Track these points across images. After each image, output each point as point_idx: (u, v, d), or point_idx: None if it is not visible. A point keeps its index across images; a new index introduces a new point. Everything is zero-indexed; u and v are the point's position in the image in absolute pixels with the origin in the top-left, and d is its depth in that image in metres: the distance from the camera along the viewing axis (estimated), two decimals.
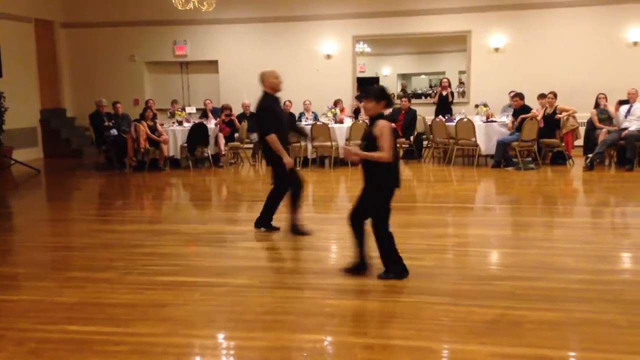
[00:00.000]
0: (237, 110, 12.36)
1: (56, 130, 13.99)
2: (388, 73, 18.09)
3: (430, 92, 16.60)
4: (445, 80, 13.35)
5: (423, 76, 18.43)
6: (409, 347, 3.36)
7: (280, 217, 6.22)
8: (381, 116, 4.48)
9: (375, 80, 17.09)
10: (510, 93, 11.39)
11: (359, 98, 12.54)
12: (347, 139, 10.95)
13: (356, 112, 12.19)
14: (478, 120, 10.81)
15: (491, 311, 3.82)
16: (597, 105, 10.80)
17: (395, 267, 4.54)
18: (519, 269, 4.74)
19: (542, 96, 10.66)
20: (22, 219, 7.85)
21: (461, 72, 15.18)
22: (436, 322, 3.71)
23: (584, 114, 10.91)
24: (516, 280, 4.42)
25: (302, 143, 10.93)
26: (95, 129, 11.94)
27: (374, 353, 3.32)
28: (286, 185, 5.93)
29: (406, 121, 11.69)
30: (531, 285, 4.32)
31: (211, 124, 11.70)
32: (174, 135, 11.26)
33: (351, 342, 3.48)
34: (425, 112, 12.72)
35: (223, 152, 11.50)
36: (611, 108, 10.65)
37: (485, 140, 10.54)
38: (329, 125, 10.83)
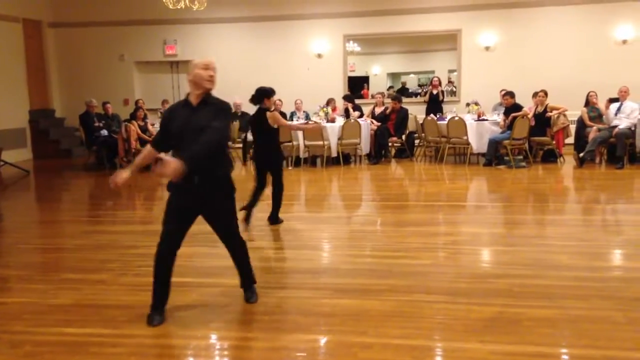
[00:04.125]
0: None
1: (45, 131, 13.86)
2: (378, 72, 18.13)
3: (420, 91, 16.64)
4: (435, 79, 13.38)
5: (412, 75, 18.48)
6: (409, 346, 3.36)
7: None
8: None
9: (365, 79, 17.12)
10: (501, 91, 11.44)
11: (346, 98, 12.54)
12: (339, 138, 10.94)
13: (347, 112, 12.19)
14: (469, 119, 10.84)
15: (489, 309, 3.83)
16: (587, 104, 10.87)
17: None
18: (514, 266, 4.75)
19: (536, 95, 10.73)
20: (13, 220, 7.76)
21: (451, 71, 15.23)
22: (435, 320, 3.72)
23: (575, 112, 10.98)
24: (512, 278, 4.43)
25: (294, 142, 10.92)
26: (86, 130, 11.85)
27: (373, 352, 3.31)
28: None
29: (398, 120, 11.70)
30: (527, 282, 4.34)
31: None
32: None
33: (351, 341, 3.47)
34: (416, 111, 12.75)
35: None
36: (601, 106, 10.72)
37: (477, 138, 10.58)
38: (322, 124, 10.82)
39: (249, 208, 6.32)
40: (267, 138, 6.31)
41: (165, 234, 3.77)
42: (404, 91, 16.20)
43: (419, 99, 14.61)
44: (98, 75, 14.55)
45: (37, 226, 7.29)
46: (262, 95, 6.24)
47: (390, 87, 17.02)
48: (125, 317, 3.90)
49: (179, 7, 11.14)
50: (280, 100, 12.25)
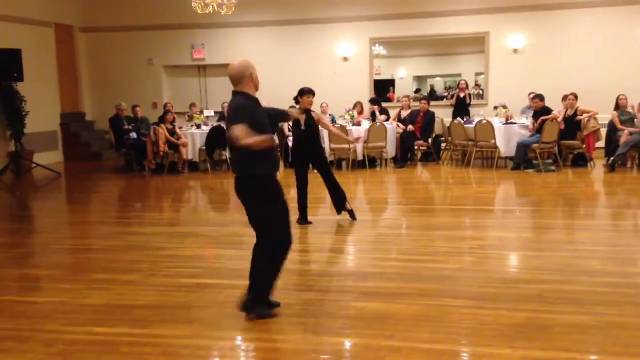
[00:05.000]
0: None
1: (76, 134, 14.11)
2: (404, 75, 18.03)
3: (446, 94, 16.51)
4: (463, 82, 13.26)
5: (439, 78, 18.35)
6: (438, 351, 3.33)
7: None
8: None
9: (391, 82, 17.05)
10: (529, 94, 11.29)
11: (372, 102, 12.52)
12: (365, 141, 10.92)
13: (373, 115, 12.16)
14: (497, 122, 10.73)
15: (519, 314, 3.78)
16: (617, 107, 10.67)
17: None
18: (544, 272, 4.68)
19: (566, 98, 10.57)
20: (44, 221, 7.93)
21: (478, 74, 15.09)
22: (464, 325, 3.68)
23: (605, 115, 10.78)
24: (543, 284, 4.37)
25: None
26: (115, 133, 12.02)
27: (402, 356, 3.30)
28: None
29: (425, 123, 11.63)
30: (558, 288, 4.27)
31: None
32: (193, 138, 11.31)
33: (378, 344, 3.45)
34: (443, 114, 12.65)
35: None
36: (633, 109, 10.52)
37: (505, 142, 10.45)
38: (347, 128, 10.81)
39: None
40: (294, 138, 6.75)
41: (289, 228, 3.92)
42: (432, 94, 16.10)
43: (445, 102, 14.51)
44: (128, 79, 14.76)
45: (68, 227, 7.43)
46: (297, 94, 6.54)
47: (418, 91, 16.93)
48: (155, 317, 3.95)
49: (207, 12, 11.25)
50: None
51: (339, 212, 6.71)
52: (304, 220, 6.55)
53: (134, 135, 11.74)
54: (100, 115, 14.30)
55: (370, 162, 11.24)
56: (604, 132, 10.79)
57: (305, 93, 6.45)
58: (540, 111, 10.26)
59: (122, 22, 14.64)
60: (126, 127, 11.89)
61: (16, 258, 5.77)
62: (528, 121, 10.62)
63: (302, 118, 6.17)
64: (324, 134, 10.86)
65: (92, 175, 11.87)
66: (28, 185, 10.88)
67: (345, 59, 14.01)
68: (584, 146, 10.39)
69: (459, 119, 11.53)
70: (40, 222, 7.97)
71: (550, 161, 10.22)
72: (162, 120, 11.26)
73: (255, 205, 3.81)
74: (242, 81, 3.84)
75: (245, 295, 3.89)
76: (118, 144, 12.09)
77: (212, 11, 11.22)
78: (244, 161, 3.76)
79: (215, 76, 14.88)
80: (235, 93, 3.86)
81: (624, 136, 9.98)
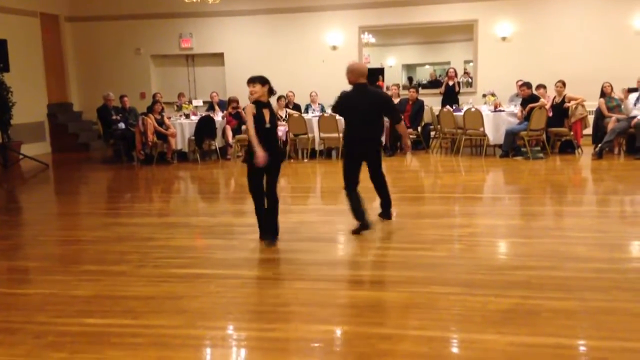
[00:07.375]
0: (243, 102, 12.33)
1: (63, 125, 14.00)
2: (393, 64, 18.03)
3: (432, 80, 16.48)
4: (452, 70, 13.29)
5: (427, 66, 18.36)
6: (427, 337, 3.37)
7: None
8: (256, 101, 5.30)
9: (381, 70, 17.04)
10: (517, 82, 11.33)
11: None
12: None
13: None
14: (486, 110, 10.76)
15: (507, 300, 3.82)
16: (603, 95, 10.74)
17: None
18: (532, 258, 4.73)
19: (539, 87, 10.53)
20: (33, 213, 7.88)
21: (466, 62, 15.12)
22: (452, 312, 3.72)
23: (592, 102, 10.85)
24: (530, 270, 4.42)
25: (310, 135, 10.95)
26: (103, 123, 11.95)
27: (392, 343, 3.32)
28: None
29: (414, 112, 11.64)
30: (546, 274, 4.32)
31: (218, 116, 11.70)
32: (182, 128, 11.26)
33: (368, 332, 3.48)
34: (432, 103, 12.68)
35: (230, 145, 11.51)
36: (620, 95, 10.60)
37: (494, 130, 10.50)
38: (337, 117, 10.79)
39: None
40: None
41: None
42: (436, 83, 15.90)
43: (434, 90, 14.53)
44: (115, 69, 14.65)
45: (56, 219, 7.39)
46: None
47: (410, 79, 16.95)
48: (145, 307, 3.95)
49: (195, 1, 11.17)
50: (291, 92, 12.24)
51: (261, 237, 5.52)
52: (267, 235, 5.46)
53: (122, 125, 11.68)
54: (88, 106, 14.19)
55: None
56: (591, 119, 10.87)
57: (249, 82, 5.38)
58: (528, 99, 10.31)
59: (108, 11, 14.50)
60: (114, 117, 11.83)
61: (5, 250, 5.74)
62: (516, 109, 10.67)
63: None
64: (313, 122, 10.92)
65: (80, 166, 11.81)
66: (16, 177, 10.79)
67: (334, 48, 13.97)
68: (572, 133, 10.46)
69: (447, 107, 11.55)
70: (28, 214, 7.92)
71: (538, 148, 10.28)
72: (150, 110, 11.19)
73: (378, 156, 6.01)
74: (365, 75, 5.53)
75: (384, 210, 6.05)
76: (106, 134, 12.03)
77: (199, 0, 11.14)
78: (379, 132, 5.96)
79: (204, 65, 14.81)
80: (366, 84, 5.62)
81: (611, 123, 10.05)
